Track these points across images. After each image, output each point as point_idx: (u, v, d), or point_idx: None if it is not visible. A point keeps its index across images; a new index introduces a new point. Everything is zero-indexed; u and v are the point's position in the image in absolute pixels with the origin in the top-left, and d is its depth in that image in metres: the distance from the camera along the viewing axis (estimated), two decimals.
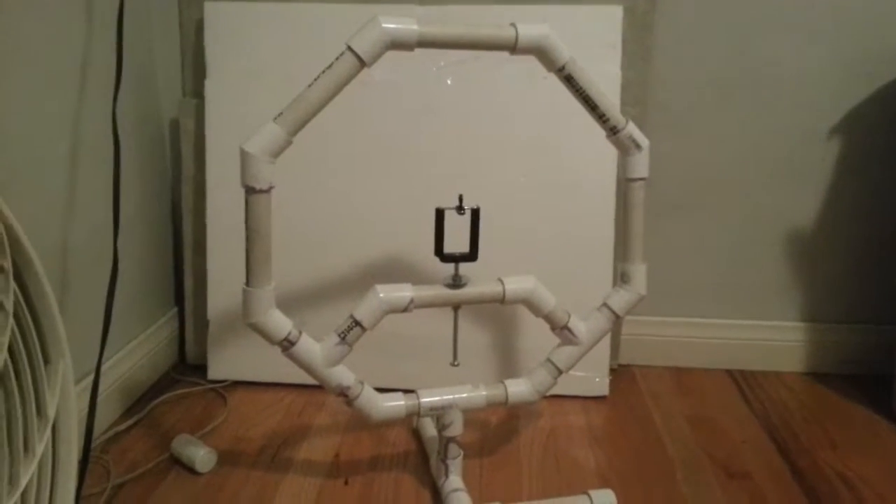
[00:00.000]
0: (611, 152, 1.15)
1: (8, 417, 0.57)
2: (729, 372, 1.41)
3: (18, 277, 0.59)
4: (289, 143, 0.84)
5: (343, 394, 0.92)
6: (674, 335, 1.43)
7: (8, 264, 0.57)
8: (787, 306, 1.41)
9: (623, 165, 0.97)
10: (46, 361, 0.62)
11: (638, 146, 0.95)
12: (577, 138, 1.22)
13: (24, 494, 0.57)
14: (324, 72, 0.83)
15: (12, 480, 0.56)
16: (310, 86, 0.83)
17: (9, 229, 0.57)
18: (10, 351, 0.58)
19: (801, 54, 1.29)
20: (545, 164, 1.24)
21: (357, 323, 0.90)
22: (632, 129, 0.94)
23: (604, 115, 0.93)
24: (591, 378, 1.28)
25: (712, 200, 1.37)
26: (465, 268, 0.93)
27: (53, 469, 0.62)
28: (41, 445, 0.59)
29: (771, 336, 1.42)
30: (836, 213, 1.36)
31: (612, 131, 0.94)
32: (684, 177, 1.36)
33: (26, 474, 0.57)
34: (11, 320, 0.57)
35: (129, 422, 1.15)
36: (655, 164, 1.14)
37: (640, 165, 0.96)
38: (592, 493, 0.95)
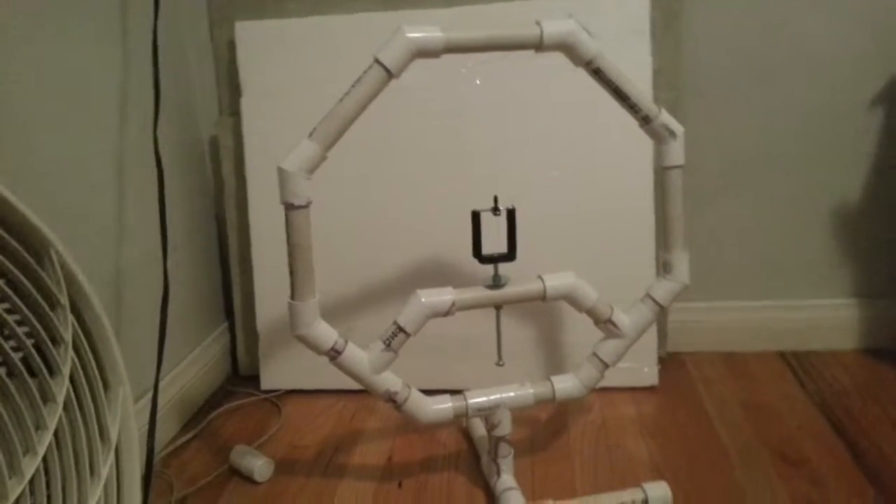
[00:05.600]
0: (646, 141, 1.14)
1: (73, 443, 0.60)
2: (781, 354, 1.39)
3: (75, 310, 0.62)
4: (323, 158, 0.86)
5: (391, 399, 0.94)
6: (723, 320, 1.41)
7: (65, 299, 0.60)
8: (838, 283, 1.38)
9: (658, 154, 0.96)
10: (106, 387, 0.65)
11: (672, 134, 0.94)
12: (610, 129, 1.21)
13: None
14: (353, 86, 0.85)
15: (81, 503, 0.59)
16: (340, 100, 0.85)
17: (64, 266, 0.60)
18: (72, 380, 0.61)
19: (835, 28, 1.25)
20: (579, 158, 1.24)
21: (401, 329, 0.91)
22: (665, 118, 0.93)
23: (635, 105, 0.92)
24: (640, 368, 1.27)
25: (754, 182, 1.34)
26: (504, 267, 0.94)
27: (119, 489, 0.65)
28: (105, 468, 0.62)
29: (823, 314, 1.39)
30: (882, 185, 1.32)
31: (645, 121, 0.94)
32: (724, 160, 1.34)
33: (94, 497, 0.60)
34: (71, 352, 0.60)
35: (188, 436, 1.19)
36: (694, 149, 1.13)
37: (676, 153, 0.95)
38: (646, 485, 0.95)
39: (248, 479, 1.06)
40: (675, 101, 1.26)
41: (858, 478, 1.00)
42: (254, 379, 1.36)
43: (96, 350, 0.64)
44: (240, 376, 1.41)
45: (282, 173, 0.84)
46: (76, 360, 0.60)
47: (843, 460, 1.04)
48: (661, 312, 1.02)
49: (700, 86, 1.30)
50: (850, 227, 1.35)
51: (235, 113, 1.32)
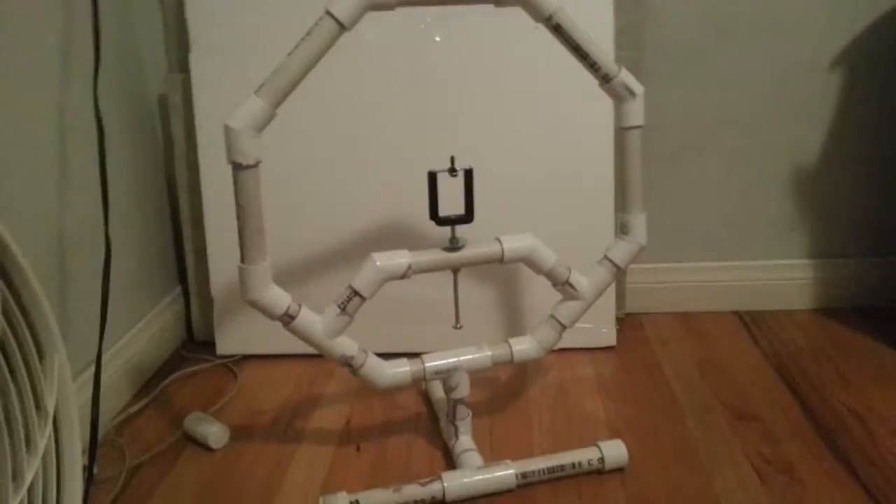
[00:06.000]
0: (606, 101, 1.12)
1: (7, 415, 0.57)
2: (737, 314, 1.40)
3: (4, 274, 0.59)
4: (273, 115, 0.82)
5: (347, 364, 0.93)
6: (680, 280, 1.42)
7: None
8: (794, 244, 1.39)
9: (617, 114, 0.95)
10: (41, 356, 0.62)
11: (632, 93, 0.92)
12: (571, 89, 1.19)
13: (30, 491, 0.57)
14: (303, 39, 0.81)
15: (16, 477, 0.57)
16: (289, 55, 0.81)
17: None
18: (3, 349, 0.58)
19: None
20: (539, 119, 1.22)
21: (356, 293, 0.90)
22: (625, 77, 0.91)
23: (595, 63, 0.90)
24: (598, 329, 1.28)
25: (714, 142, 1.34)
26: (462, 229, 0.92)
27: (58, 462, 0.63)
28: (43, 441, 0.59)
29: (779, 275, 1.40)
30: (841, 147, 1.33)
31: (605, 79, 0.92)
32: (685, 120, 1.33)
33: (30, 470, 0.58)
34: (1, 318, 0.57)
35: (141, 403, 1.16)
36: (655, 109, 1.11)
37: (635, 113, 0.94)
38: (602, 444, 0.96)
39: (204, 446, 1.04)
40: (637, 61, 1.25)
41: (810, 433, 1.02)
42: (209, 344, 1.33)
43: (28, 316, 0.61)
44: (195, 342, 1.38)
45: (228, 131, 0.80)
46: (6, 327, 0.57)
47: (795, 416, 1.06)
48: (619, 273, 1.02)
49: (664, 45, 1.29)
50: (808, 189, 1.36)
51: (185, 69, 1.27)
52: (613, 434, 1.03)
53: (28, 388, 0.59)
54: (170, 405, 1.17)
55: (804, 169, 1.35)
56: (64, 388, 0.62)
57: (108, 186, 0.98)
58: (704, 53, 1.29)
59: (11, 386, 0.57)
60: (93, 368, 0.94)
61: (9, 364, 0.58)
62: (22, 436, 0.58)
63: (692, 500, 0.90)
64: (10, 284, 0.59)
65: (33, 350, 0.61)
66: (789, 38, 1.27)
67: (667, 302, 1.42)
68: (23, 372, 0.59)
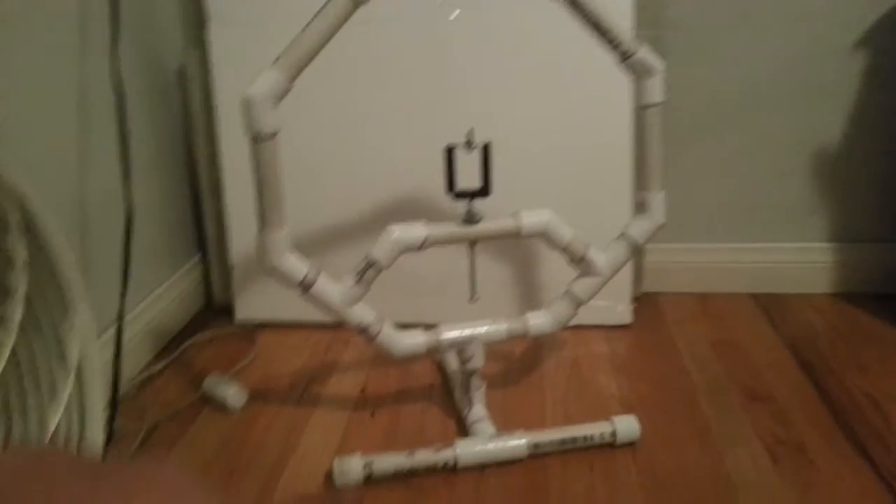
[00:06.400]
0: (626, 78, 1.11)
1: (33, 367, 0.59)
2: (755, 296, 1.40)
3: (31, 231, 0.60)
4: (289, 87, 0.83)
5: (364, 332, 0.94)
6: (698, 261, 1.41)
7: (18, 220, 0.58)
8: (814, 227, 1.38)
9: (636, 92, 0.94)
10: (66, 311, 0.64)
11: (652, 71, 0.92)
12: (590, 65, 1.18)
13: (53, 438, 0.59)
14: (319, 12, 0.81)
15: (42, 426, 0.59)
16: (306, 27, 0.82)
17: (16, 186, 0.58)
18: (29, 301, 0.59)
19: None
20: (558, 94, 1.21)
21: (373, 263, 0.91)
22: (644, 54, 0.91)
23: (614, 39, 0.89)
24: (614, 307, 1.28)
25: (734, 123, 1.33)
26: (481, 204, 0.92)
27: (81, 414, 0.65)
28: (66, 391, 0.61)
29: (798, 258, 1.39)
30: (862, 130, 1.31)
31: (624, 56, 0.91)
32: (704, 99, 1.32)
33: (54, 421, 0.60)
34: (27, 273, 0.58)
35: (161, 364, 1.19)
36: (674, 87, 1.10)
37: (655, 90, 0.93)
38: (615, 418, 0.97)
39: (222, 407, 1.06)
40: (657, 39, 1.23)
41: (825, 416, 1.02)
42: (228, 311, 1.35)
43: (54, 272, 0.62)
44: (214, 308, 1.40)
45: (246, 103, 0.81)
46: (33, 282, 0.59)
47: (809, 399, 1.06)
48: (637, 251, 1.02)
49: (684, 24, 1.27)
50: (829, 171, 1.34)
51: (203, 42, 1.27)
52: (626, 410, 1.03)
53: (53, 340, 0.61)
54: (189, 367, 1.19)
55: (824, 151, 1.33)
56: (87, 342, 0.64)
57: (128, 153, 1.00)
58: (725, 33, 1.27)
59: (37, 338, 0.59)
60: (113, 329, 0.96)
61: (35, 317, 0.60)
62: (48, 388, 0.60)
63: (703, 476, 0.90)
64: (36, 240, 0.61)
65: (58, 304, 0.63)
66: (812, 19, 1.25)
67: (684, 282, 1.41)
68: (48, 324, 0.61)
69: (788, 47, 1.27)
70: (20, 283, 0.57)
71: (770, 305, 1.36)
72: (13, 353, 0.58)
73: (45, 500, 0.20)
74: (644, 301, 1.37)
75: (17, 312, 0.56)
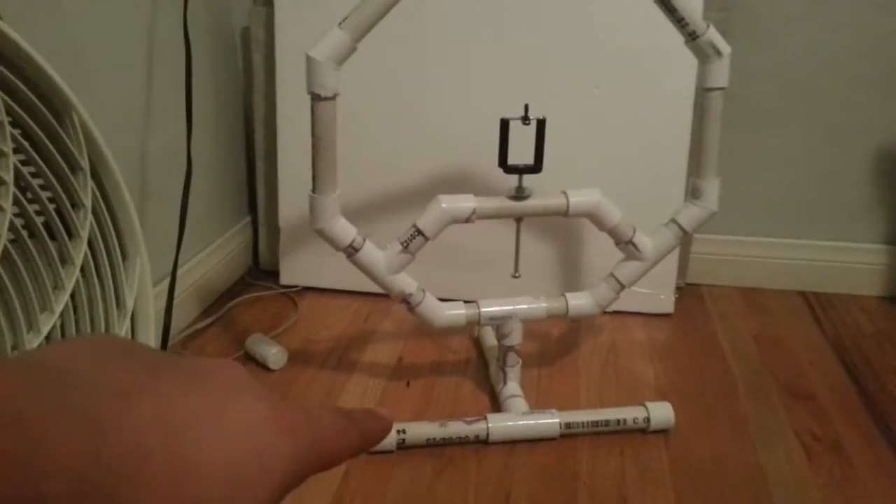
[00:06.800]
0: (690, 63, 1.09)
1: (90, 308, 0.61)
2: (802, 293, 1.37)
3: (96, 176, 0.62)
4: (353, 49, 0.83)
5: (405, 300, 0.95)
6: (746, 255, 1.39)
7: (86, 164, 0.60)
8: (869, 228, 1.34)
9: (701, 74, 0.93)
10: (125, 256, 0.66)
11: (718, 53, 0.90)
12: (654, 44, 1.16)
13: None
14: None
15: None
16: None
17: (86, 130, 0.60)
18: (91, 246, 0.62)
19: None
20: (619, 73, 1.19)
21: (419, 232, 0.91)
22: (712, 35, 0.89)
23: (682, 18, 0.88)
24: (656, 295, 1.27)
25: (797, 114, 1.30)
26: (530, 180, 0.92)
27: None
28: (121, 333, 0.63)
29: (850, 258, 1.36)
30: None
31: (691, 37, 0.89)
32: (769, 88, 1.29)
33: None
34: (91, 217, 0.61)
35: (207, 321, 1.22)
36: (739, 74, 1.08)
37: (720, 74, 0.91)
38: (650, 404, 0.96)
39: (263, 365, 1.09)
40: (726, 22, 1.20)
41: (864, 417, 1.00)
42: (274, 273, 1.38)
43: (115, 218, 0.64)
44: (260, 270, 1.43)
45: (310, 62, 0.82)
46: (95, 225, 0.61)
47: (850, 400, 1.04)
48: (685, 239, 1.01)
49: (754, 9, 1.24)
50: (890, 172, 1.30)
51: (269, 3, 1.29)
52: (661, 397, 1.03)
53: (111, 284, 0.63)
54: (233, 326, 1.22)
55: (890, 151, 1.29)
56: (143, 289, 0.66)
57: (192, 108, 1.02)
58: (796, 20, 1.24)
59: (96, 281, 0.61)
60: (165, 283, 0.99)
61: (95, 261, 0.62)
62: (103, 328, 0.62)
63: (736, 469, 0.90)
64: (100, 185, 0.63)
65: (118, 249, 0.65)
66: (893, 8, 1.21)
67: (730, 275, 1.39)
68: (107, 268, 0.63)
69: (861, 39, 1.23)
70: (84, 227, 0.59)
71: (817, 303, 1.33)
72: (72, 295, 0.60)
73: (91, 383, 0.19)
74: (687, 291, 1.36)
75: (79, 255, 0.58)
